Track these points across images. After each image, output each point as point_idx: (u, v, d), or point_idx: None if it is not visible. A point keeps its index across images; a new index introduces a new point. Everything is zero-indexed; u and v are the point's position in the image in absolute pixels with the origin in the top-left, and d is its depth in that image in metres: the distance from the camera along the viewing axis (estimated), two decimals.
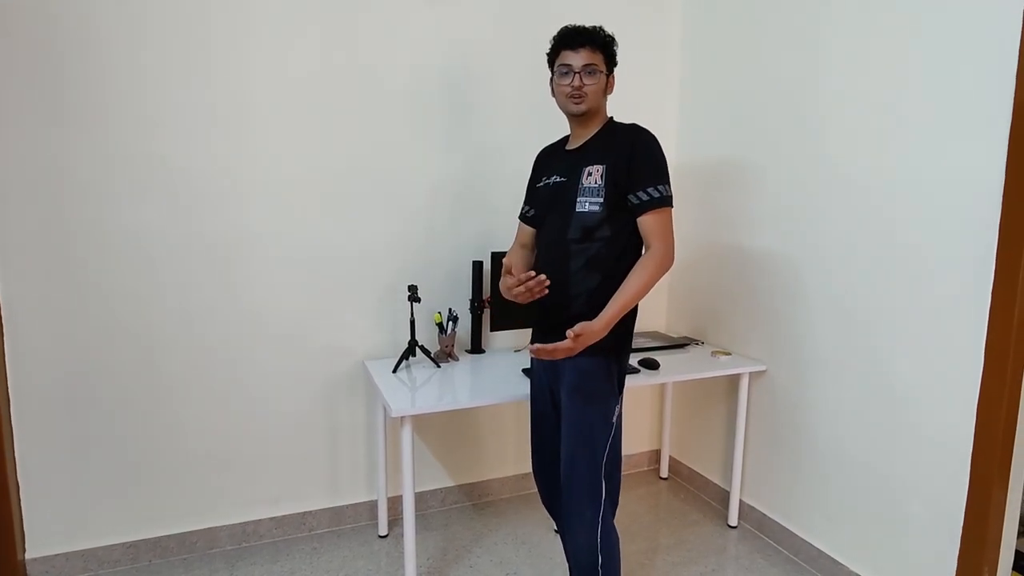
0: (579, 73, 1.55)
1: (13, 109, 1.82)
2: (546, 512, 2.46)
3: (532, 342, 1.75)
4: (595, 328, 1.45)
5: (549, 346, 1.45)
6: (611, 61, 1.61)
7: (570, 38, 1.57)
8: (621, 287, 1.51)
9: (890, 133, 1.80)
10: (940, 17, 1.66)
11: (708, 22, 2.50)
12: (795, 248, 2.13)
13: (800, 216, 2.10)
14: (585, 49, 1.55)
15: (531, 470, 1.86)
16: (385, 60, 2.21)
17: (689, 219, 2.62)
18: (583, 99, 1.57)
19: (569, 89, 1.57)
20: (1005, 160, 1.53)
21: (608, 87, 1.63)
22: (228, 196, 2.07)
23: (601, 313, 1.48)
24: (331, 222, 2.21)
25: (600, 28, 1.59)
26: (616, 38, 1.61)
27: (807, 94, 2.06)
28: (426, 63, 2.26)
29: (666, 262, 1.53)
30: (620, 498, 1.76)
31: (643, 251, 1.57)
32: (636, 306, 1.59)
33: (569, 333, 1.42)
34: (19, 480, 1.95)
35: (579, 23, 1.62)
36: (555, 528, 2.36)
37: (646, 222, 1.54)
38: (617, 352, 1.59)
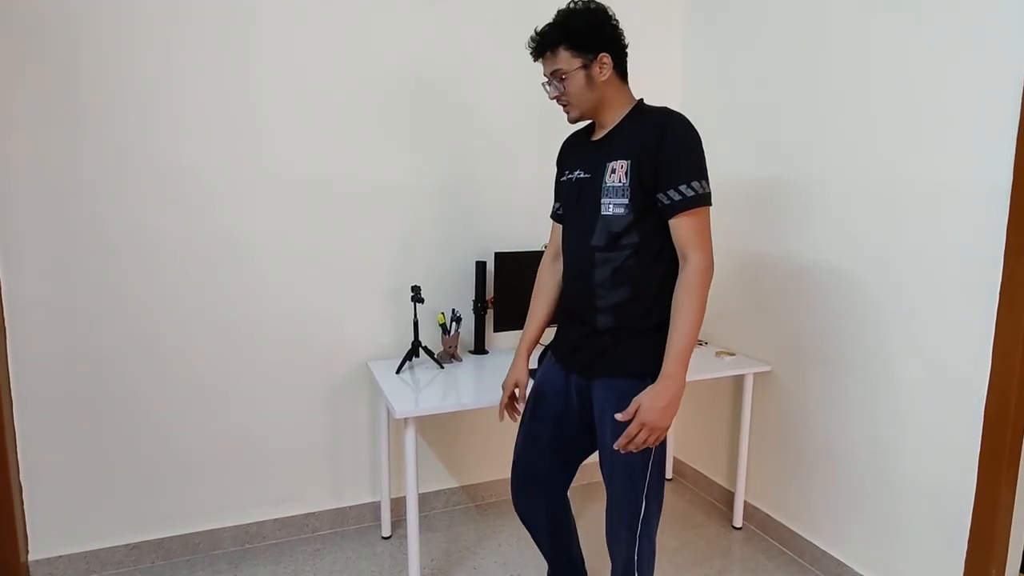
0: (549, 84, 1.44)
1: (21, 111, 1.82)
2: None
3: (547, 349, 1.66)
4: (657, 403, 1.32)
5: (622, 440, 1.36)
6: (583, 47, 1.37)
7: (531, 50, 1.44)
8: (672, 331, 1.34)
9: (895, 134, 1.79)
10: (948, 16, 1.65)
11: (710, 24, 2.49)
12: (798, 248, 2.12)
13: (803, 217, 2.09)
14: (544, 59, 1.42)
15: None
16: (387, 62, 2.20)
17: None
18: (568, 107, 1.45)
19: (556, 100, 1.46)
20: (1013, 159, 1.52)
21: (595, 74, 1.40)
22: (232, 199, 2.07)
23: (661, 375, 1.33)
24: (334, 223, 2.21)
25: (553, 23, 1.39)
26: (589, 10, 1.38)
27: (809, 96, 2.05)
28: (428, 64, 2.26)
29: (708, 275, 1.34)
30: None
31: (680, 261, 1.39)
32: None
33: (622, 417, 1.35)
34: (22, 482, 1.95)
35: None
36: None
37: (680, 226, 1.35)
38: (655, 373, 1.38)
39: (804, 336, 2.13)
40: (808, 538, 2.15)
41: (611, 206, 1.39)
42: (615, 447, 1.38)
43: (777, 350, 2.25)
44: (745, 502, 2.41)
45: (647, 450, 1.44)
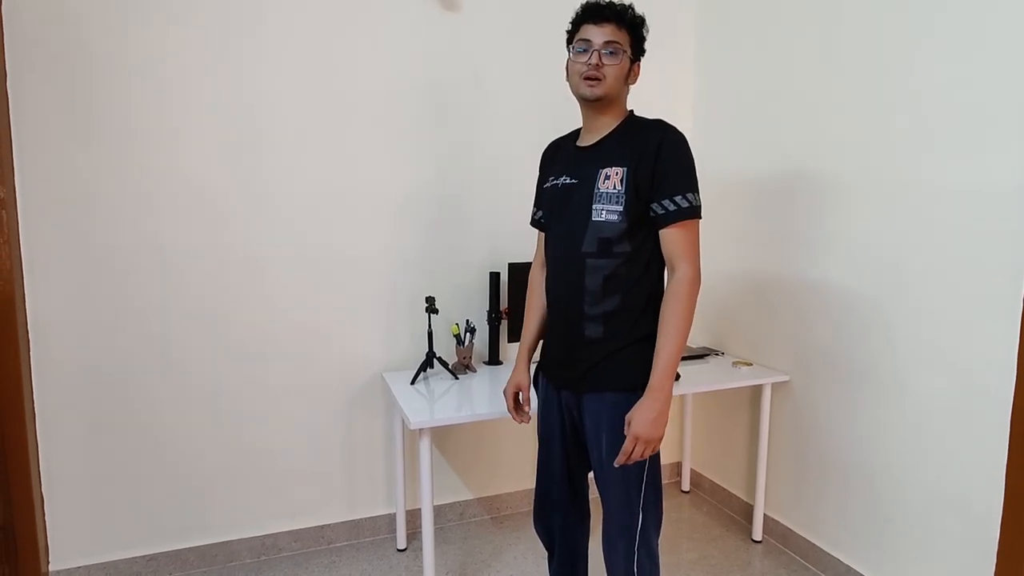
0: (599, 51, 1.36)
1: (42, 127, 1.86)
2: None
3: (539, 370, 1.64)
4: (646, 415, 1.33)
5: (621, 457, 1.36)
6: (638, 45, 1.42)
7: (594, 11, 1.38)
8: (659, 342, 1.34)
9: (912, 138, 1.77)
10: (963, 15, 1.63)
11: (722, 30, 2.49)
12: (815, 255, 2.10)
13: (821, 226, 2.07)
14: (610, 25, 1.37)
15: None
16: (399, 73, 2.23)
17: (709, 229, 2.60)
18: (600, 81, 1.37)
19: (585, 68, 1.37)
20: None
21: (631, 75, 1.44)
22: (247, 212, 2.10)
23: (649, 387, 1.34)
24: (349, 235, 2.23)
25: (630, 6, 1.41)
26: (644, 25, 1.44)
27: (824, 101, 2.03)
28: (440, 75, 2.28)
29: (696, 286, 1.36)
30: None
31: (666, 272, 1.41)
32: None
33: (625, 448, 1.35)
34: (43, 493, 1.97)
35: None
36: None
37: (670, 237, 1.37)
38: (644, 385, 1.37)
39: (823, 345, 2.10)
40: (831, 552, 2.11)
41: (603, 212, 1.39)
42: (615, 464, 1.39)
43: (795, 360, 2.22)
44: (765, 515, 2.36)
45: (641, 464, 1.45)
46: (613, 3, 1.40)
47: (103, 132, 1.92)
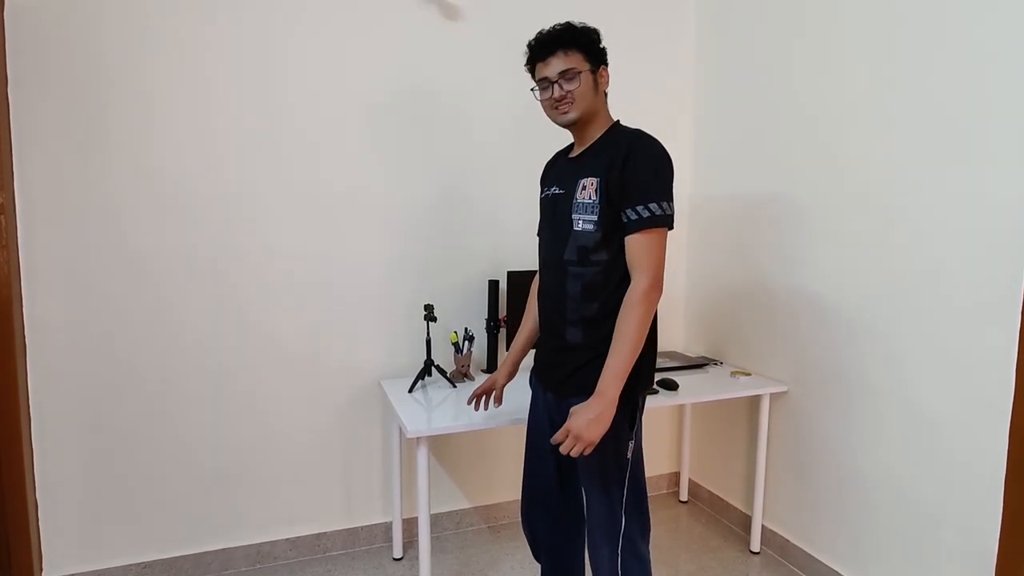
0: (557, 83, 1.41)
1: (43, 134, 1.86)
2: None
3: (533, 371, 1.69)
4: (585, 414, 1.32)
5: (563, 443, 1.34)
6: (594, 55, 1.44)
7: (537, 50, 1.43)
8: (611, 350, 1.35)
9: (911, 150, 1.77)
10: (966, 31, 1.64)
11: (722, 43, 2.50)
12: (814, 266, 2.10)
13: (821, 237, 2.07)
14: (555, 57, 1.40)
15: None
16: (399, 81, 2.24)
17: (708, 240, 2.60)
18: (570, 106, 1.42)
19: (552, 102, 1.44)
20: None
21: (600, 83, 1.46)
22: (248, 217, 2.10)
23: (595, 391, 1.34)
24: (348, 243, 2.23)
25: (568, 24, 1.43)
26: (593, 27, 1.45)
27: (822, 115, 2.04)
28: (445, 83, 2.29)
29: (653, 297, 1.35)
30: None
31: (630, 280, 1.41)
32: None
33: (559, 436, 1.34)
34: (37, 499, 1.96)
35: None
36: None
37: (631, 245, 1.37)
38: (627, 389, 1.38)
39: (821, 356, 2.10)
40: (829, 564, 2.10)
41: (581, 222, 1.42)
42: (551, 441, 1.40)
43: (794, 370, 2.22)
44: (763, 526, 2.35)
45: (622, 467, 1.47)
46: (553, 31, 1.43)
47: (109, 136, 1.92)
